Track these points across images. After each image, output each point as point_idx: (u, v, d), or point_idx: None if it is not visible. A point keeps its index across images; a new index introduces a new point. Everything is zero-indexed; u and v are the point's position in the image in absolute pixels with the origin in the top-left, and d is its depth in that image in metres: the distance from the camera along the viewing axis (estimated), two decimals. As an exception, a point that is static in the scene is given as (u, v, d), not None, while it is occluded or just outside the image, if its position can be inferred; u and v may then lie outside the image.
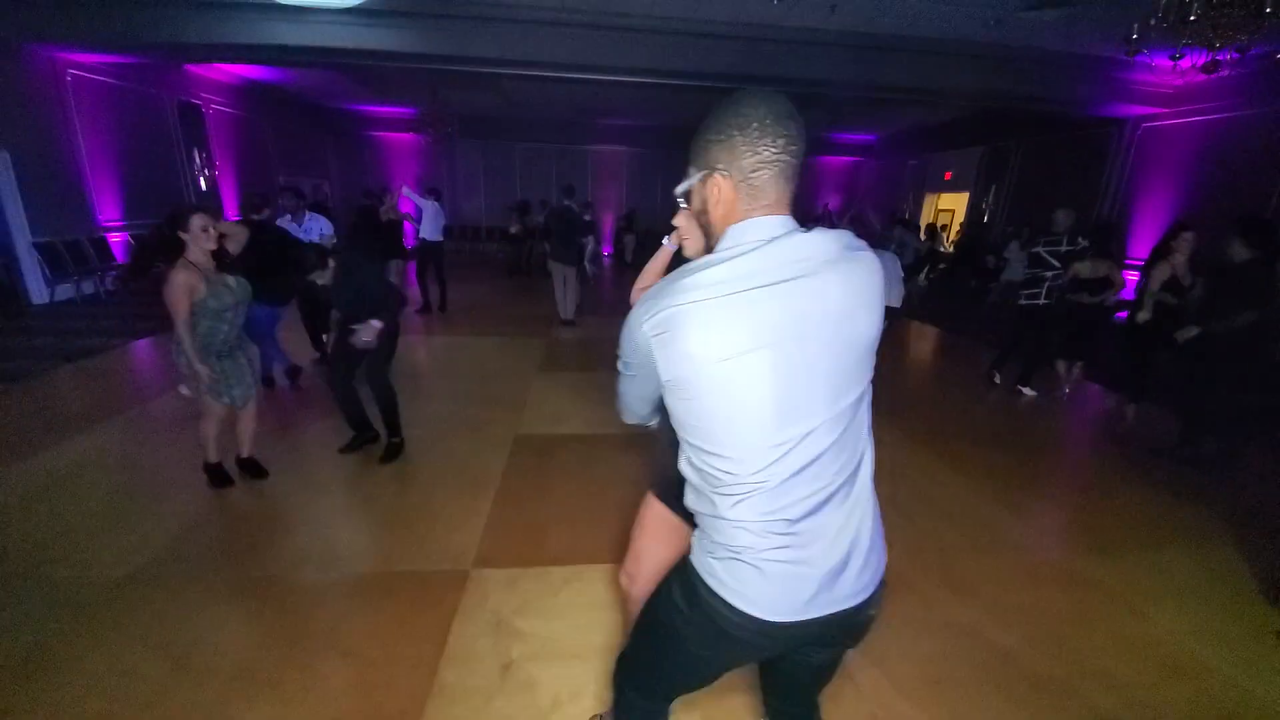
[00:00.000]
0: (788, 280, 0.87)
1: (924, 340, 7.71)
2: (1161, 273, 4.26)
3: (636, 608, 1.53)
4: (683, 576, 1.05)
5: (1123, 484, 3.66)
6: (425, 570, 2.55)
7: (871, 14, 6.93)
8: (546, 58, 7.71)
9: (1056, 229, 5.00)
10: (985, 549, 2.89)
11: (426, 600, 2.35)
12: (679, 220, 1.07)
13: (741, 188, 0.92)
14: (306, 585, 2.43)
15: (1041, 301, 5.07)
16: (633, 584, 1.62)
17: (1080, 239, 4.95)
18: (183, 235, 2.78)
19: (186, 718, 1.80)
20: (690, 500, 1.03)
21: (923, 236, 11.99)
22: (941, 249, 12.48)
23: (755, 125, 0.90)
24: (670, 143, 15.75)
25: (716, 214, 0.96)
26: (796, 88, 8.68)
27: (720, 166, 0.93)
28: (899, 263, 4.95)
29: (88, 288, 8.20)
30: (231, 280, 2.95)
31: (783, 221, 0.93)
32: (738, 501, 0.93)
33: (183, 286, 2.74)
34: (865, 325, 0.93)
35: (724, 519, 0.95)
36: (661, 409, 1.07)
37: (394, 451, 3.59)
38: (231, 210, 11.40)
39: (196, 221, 2.78)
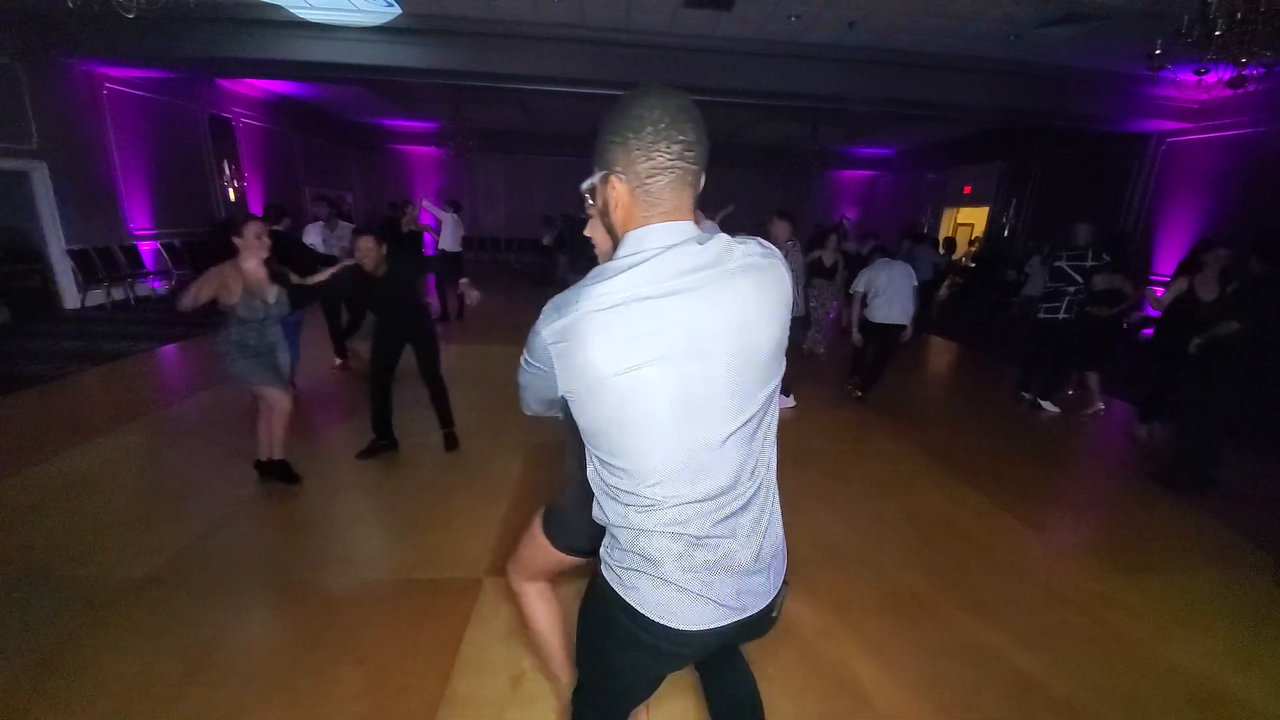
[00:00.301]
0: (682, 292, 0.85)
1: (942, 356, 7.62)
2: (1178, 287, 4.18)
3: (526, 605, 1.67)
4: (596, 595, 1.05)
5: (1147, 503, 3.57)
6: (440, 578, 2.55)
7: (889, 30, 6.95)
8: (567, 73, 7.83)
9: (1078, 243, 4.94)
10: (1006, 569, 2.83)
11: (440, 608, 2.36)
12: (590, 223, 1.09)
13: (638, 193, 0.89)
14: (322, 590, 2.45)
15: (1061, 316, 5.01)
16: (518, 585, 1.67)
17: (1104, 255, 4.89)
18: (237, 241, 2.87)
19: (200, 719, 1.82)
20: (597, 511, 1.01)
21: (940, 250, 11.87)
22: (962, 262, 12.35)
23: (649, 128, 0.86)
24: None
25: (616, 217, 0.93)
26: (814, 103, 8.72)
27: (617, 169, 0.89)
28: (913, 277, 4.89)
29: (118, 293, 8.42)
30: (271, 295, 3.02)
31: (681, 228, 0.90)
32: (643, 510, 0.92)
33: (216, 277, 2.82)
34: (766, 335, 0.91)
35: (630, 528, 0.94)
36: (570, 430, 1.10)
37: (452, 442, 3.81)
38: (257, 220, 11.65)
39: (251, 229, 2.90)
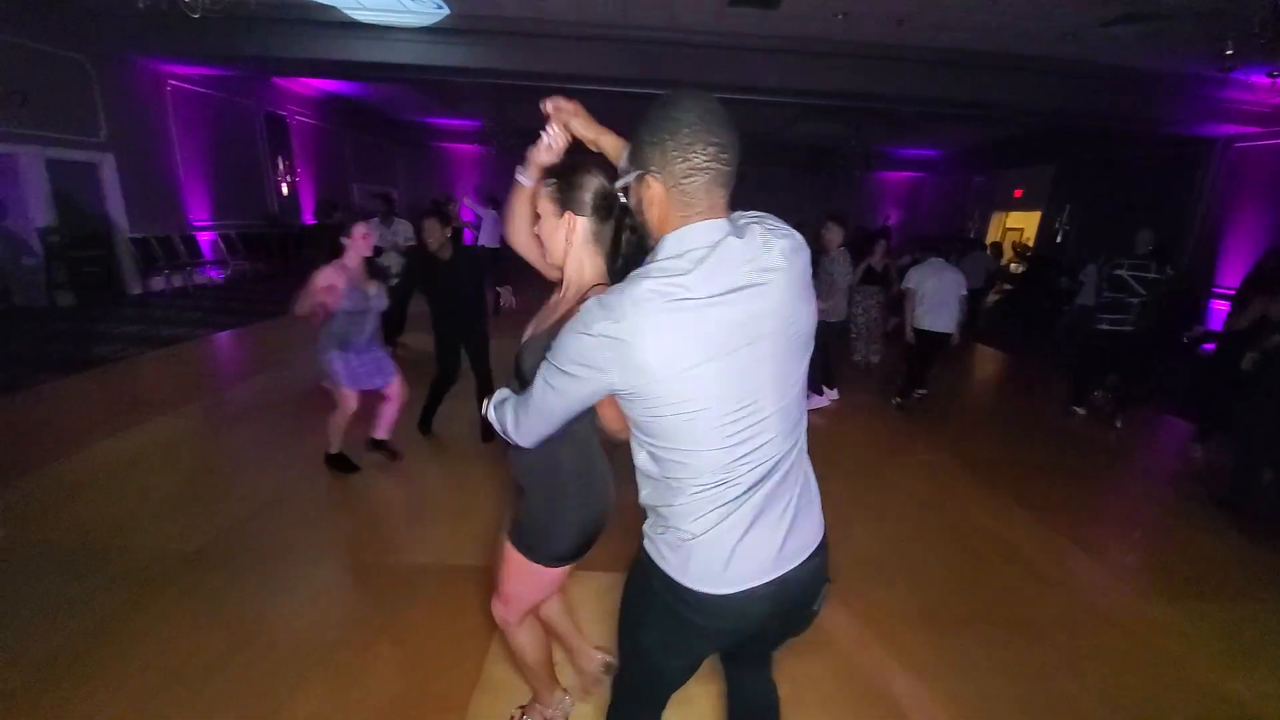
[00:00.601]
0: (741, 289, 0.89)
1: (988, 365, 7.38)
2: (1253, 311, 3.93)
3: (517, 639, 1.62)
4: (638, 571, 1.09)
5: (1205, 526, 3.38)
6: (476, 565, 2.59)
7: (940, 28, 6.76)
8: (611, 72, 7.87)
9: (1140, 250, 4.71)
10: (1052, 588, 2.72)
11: (476, 594, 2.39)
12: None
13: (674, 193, 0.92)
14: (362, 571, 2.52)
15: (1129, 329, 4.74)
16: (508, 626, 1.60)
17: (1168, 266, 4.63)
18: (344, 240, 3.01)
19: (242, 691, 1.88)
20: (646, 494, 1.04)
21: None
22: (1009, 268, 11.91)
23: (686, 131, 0.89)
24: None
25: (651, 215, 0.97)
26: (860, 102, 8.56)
27: (653, 169, 0.92)
28: (964, 285, 4.74)
29: (177, 281, 8.82)
30: (372, 288, 3.15)
31: (719, 226, 0.92)
32: (695, 492, 0.96)
33: (323, 281, 2.95)
34: (806, 318, 0.97)
35: (680, 506, 0.97)
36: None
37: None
38: (310, 214, 12.08)
39: (359, 229, 3.06)
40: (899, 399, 5.07)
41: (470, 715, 1.85)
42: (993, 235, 14.04)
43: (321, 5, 7.00)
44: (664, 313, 0.85)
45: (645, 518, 1.07)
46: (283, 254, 10.88)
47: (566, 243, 1.20)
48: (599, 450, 1.38)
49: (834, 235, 4.50)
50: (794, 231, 0.99)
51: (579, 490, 1.35)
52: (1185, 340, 8.24)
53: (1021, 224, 13.92)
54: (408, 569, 2.56)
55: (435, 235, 3.54)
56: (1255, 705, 2.09)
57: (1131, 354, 4.91)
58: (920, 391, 5.20)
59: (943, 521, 3.27)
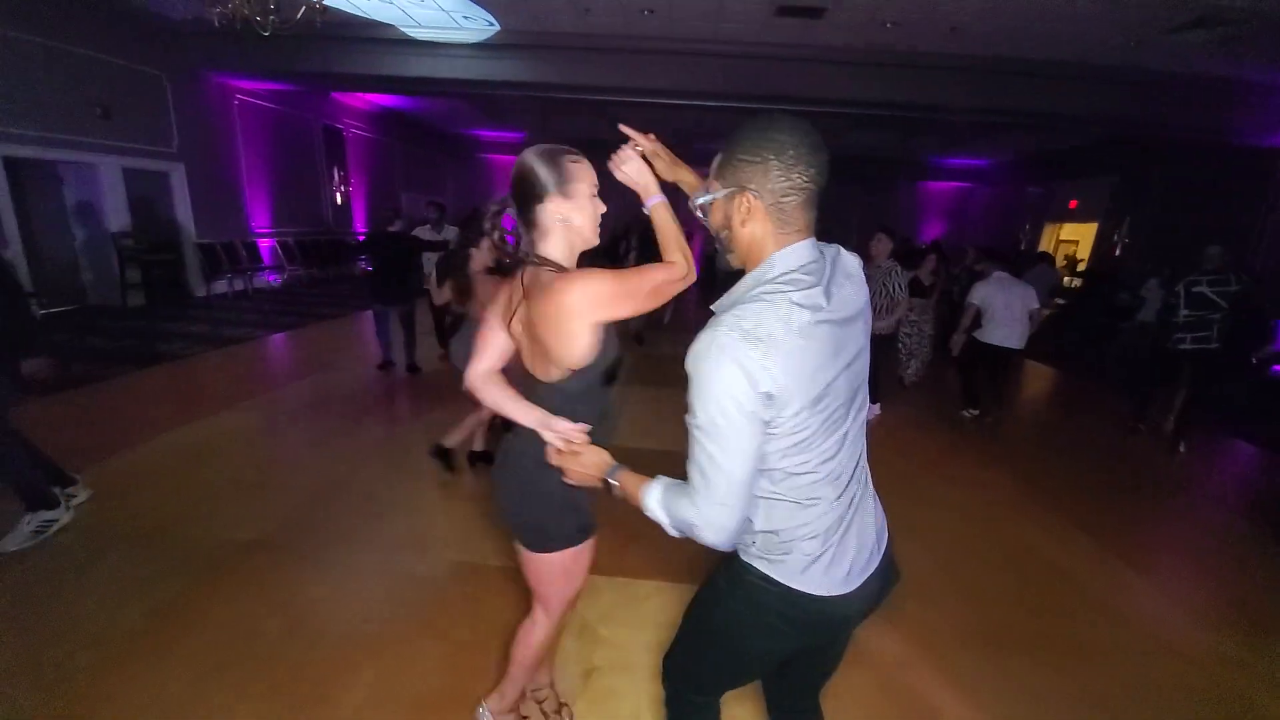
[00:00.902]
0: (843, 309, 0.97)
1: (1043, 382, 7.10)
2: None
3: (549, 631, 1.61)
4: (730, 571, 1.10)
5: (1273, 555, 3.16)
6: (514, 566, 2.61)
7: (995, 36, 6.61)
8: (656, 84, 7.96)
9: (1209, 265, 4.47)
10: (1111, 615, 2.58)
11: (515, 595, 2.42)
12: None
13: (771, 210, 0.95)
14: (408, 566, 2.58)
15: (1214, 345, 4.51)
16: (544, 622, 1.60)
17: (1245, 276, 4.42)
18: (473, 251, 3.22)
19: (296, 676, 1.95)
20: (760, 521, 1.02)
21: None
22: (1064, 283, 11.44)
23: (791, 152, 0.92)
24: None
25: (741, 231, 0.99)
26: (911, 112, 8.41)
27: (752, 187, 0.94)
28: (1034, 299, 4.60)
29: (238, 284, 9.28)
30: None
31: (814, 246, 0.98)
32: (799, 507, 0.99)
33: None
34: (867, 331, 1.05)
35: (787, 523, 1.01)
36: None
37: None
38: (361, 222, 12.56)
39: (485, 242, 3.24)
40: (973, 410, 5.00)
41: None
42: (1044, 247, 13.55)
43: (379, 24, 7.32)
44: (803, 337, 0.89)
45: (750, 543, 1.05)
46: (335, 261, 11.32)
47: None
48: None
49: (883, 246, 4.40)
50: (851, 254, 1.08)
51: (545, 468, 1.26)
52: (1255, 361, 7.76)
53: (1076, 236, 13.40)
54: (448, 567, 2.61)
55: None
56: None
57: (1211, 373, 4.67)
58: (972, 411, 5.01)
59: (994, 541, 3.14)
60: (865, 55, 7.36)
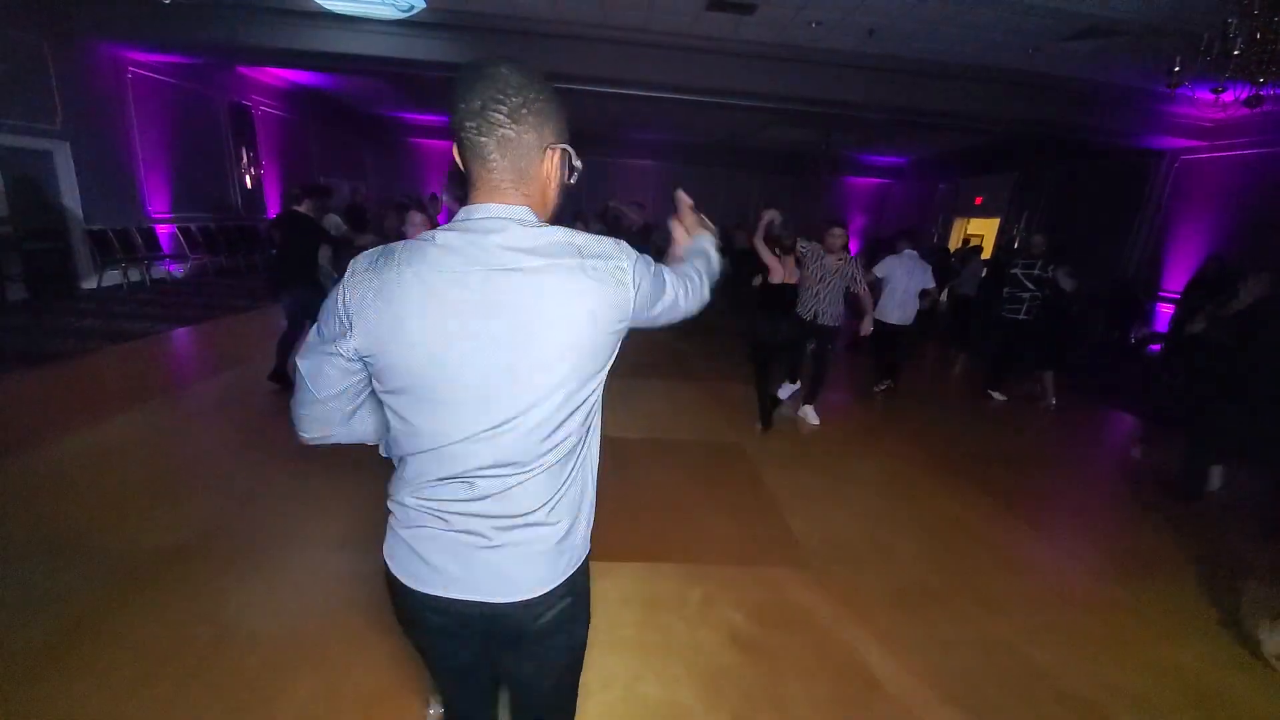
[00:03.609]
0: None
1: (952, 363, 7.65)
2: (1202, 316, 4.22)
3: None
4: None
5: (1153, 510, 3.61)
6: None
7: (909, 39, 7.00)
8: (587, 71, 7.89)
9: (1034, 252, 5.45)
10: (1015, 569, 2.88)
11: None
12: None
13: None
14: (348, 563, 2.51)
15: (1023, 317, 5.50)
16: None
17: (1050, 266, 5.37)
18: (405, 229, 3.21)
19: (232, 684, 1.87)
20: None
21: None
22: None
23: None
24: (699, 159, 15.93)
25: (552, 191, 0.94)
26: (832, 109, 8.76)
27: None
28: (930, 277, 5.17)
29: (134, 275, 8.50)
30: None
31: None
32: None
33: None
34: None
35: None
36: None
37: None
38: (274, 208, 11.78)
39: (416, 217, 3.30)
40: (886, 384, 5.56)
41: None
42: (953, 241, 14.51)
43: (292, -6, 6.86)
44: None
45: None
46: (245, 249, 10.57)
47: None
48: None
49: (837, 239, 4.31)
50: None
51: None
52: (1134, 340, 8.70)
53: (981, 230, 14.43)
54: (392, 560, 2.56)
55: (421, 230, 3.54)
56: (1200, 670, 2.26)
57: (1022, 338, 5.59)
58: (885, 384, 5.48)
59: (911, 509, 3.41)
60: (790, 52, 7.60)
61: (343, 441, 1.01)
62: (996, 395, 5.77)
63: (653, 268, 0.95)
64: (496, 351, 0.82)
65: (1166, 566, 3.00)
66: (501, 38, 7.55)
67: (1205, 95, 5.60)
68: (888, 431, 4.67)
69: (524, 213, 0.87)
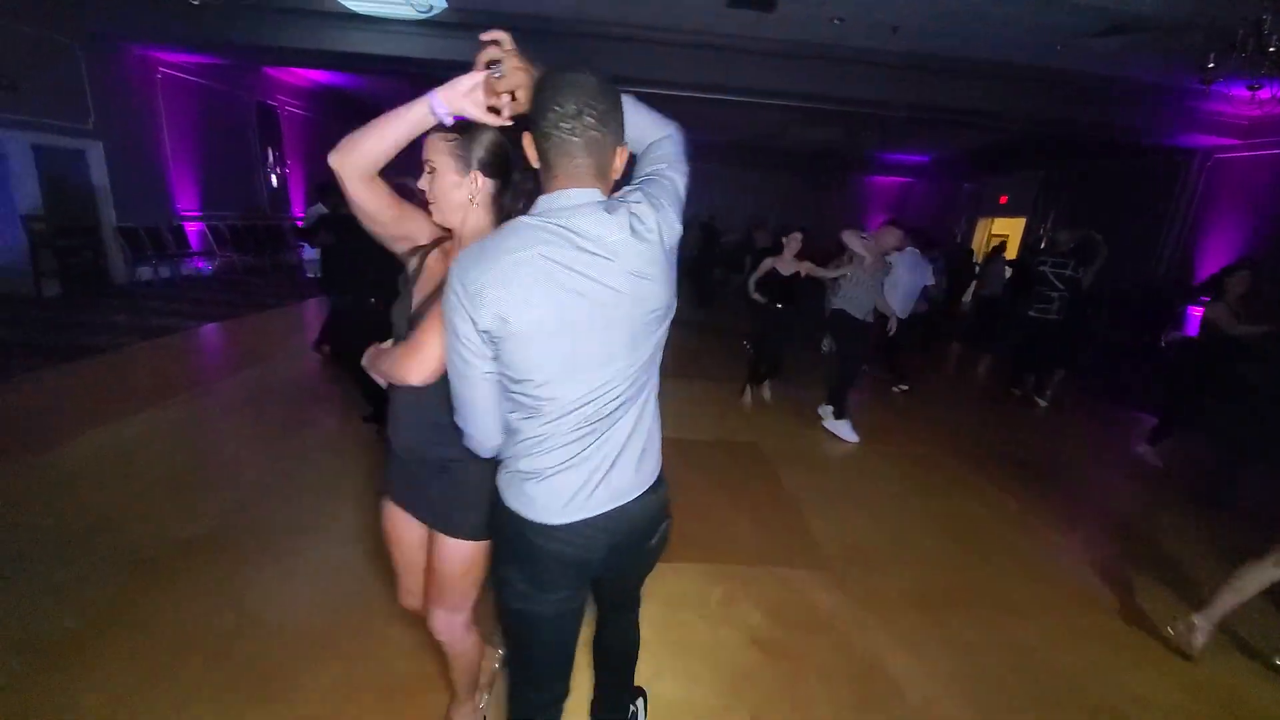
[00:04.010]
0: None
1: (976, 364, 7.53)
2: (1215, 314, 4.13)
3: (471, 637, 1.55)
4: (492, 522, 1.19)
5: (1183, 516, 3.51)
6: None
7: (933, 36, 6.89)
8: (607, 70, 7.78)
9: (1060, 250, 5.39)
10: (1039, 573, 2.81)
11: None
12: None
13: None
14: (366, 556, 2.53)
15: (1053, 317, 5.37)
16: (459, 632, 1.51)
17: (1080, 266, 5.25)
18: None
19: (254, 669, 1.90)
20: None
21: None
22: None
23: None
24: (723, 159, 15.88)
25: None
26: (854, 107, 8.68)
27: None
28: (930, 274, 5.21)
29: (164, 271, 8.70)
30: None
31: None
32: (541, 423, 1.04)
33: None
34: None
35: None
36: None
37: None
38: (300, 207, 11.98)
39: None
40: (902, 386, 5.56)
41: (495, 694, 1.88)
42: (977, 241, 14.28)
43: (318, -5, 6.97)
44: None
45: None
46: (272, 248, 10.75)
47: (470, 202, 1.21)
48: None
49: (891, 238, 4.31)
50: None
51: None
52: (1163, 344, 8.48)
53: (1006, 230, 14.17)
54: (412, 553, 2.58)
55: None
56: (1235, 685, 2.19)
57: (1054, 339, 5.48)
58: (902, 387, 5.46)
59: (930, 510, 3.35)
60: (812, 50, 7.54)
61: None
62: (1019, 392, 5.76)
63: (654, 190, 1.05)
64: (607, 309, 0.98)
65: (1197, 574, 2.91)
66: (523, 37, 7.53)
67: (1240, 92, 5.44)
68: (907, 432, 4.61)
69: (596, 194, 1.00)
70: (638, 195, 1.02)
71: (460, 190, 1.18)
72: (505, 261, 0.92)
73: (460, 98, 1.11)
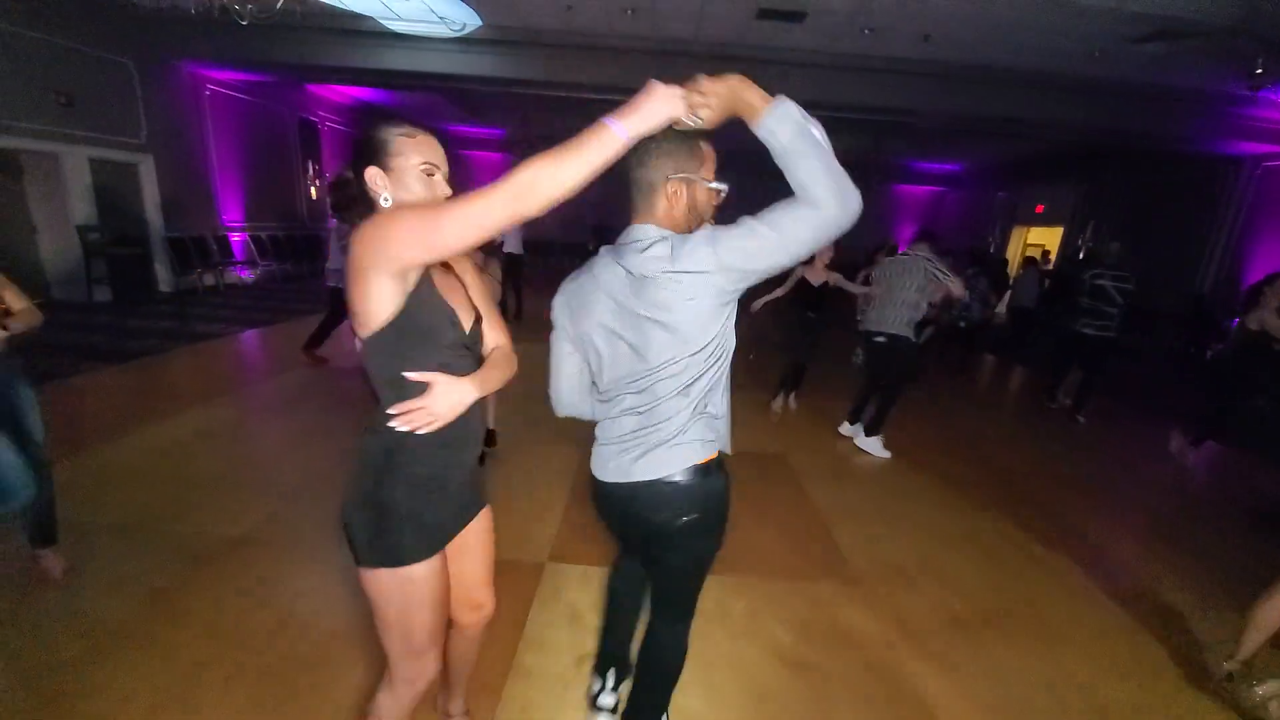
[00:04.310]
0: None
1: (1011, 380, 7.33)
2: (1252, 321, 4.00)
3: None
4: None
5: (1242, 540, 3.35)
6: (504, 558, 2.61)
7: (967, 46, 6.81)
8: (637, 83, 7.94)
9: (1110, 260, 5.08)
10: (1082, 597, 2.71)
11: (505, 586, 2.40)
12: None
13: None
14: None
15: (1111, 334, 5.12)
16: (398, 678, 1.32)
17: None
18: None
19: (288, 665, 1.95)
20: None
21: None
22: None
23: None
24: (745, 167, 15.86)
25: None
26: (885, 116, 8.61)
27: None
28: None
29: (208, 279, 9.04)
30: None
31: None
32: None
33: None
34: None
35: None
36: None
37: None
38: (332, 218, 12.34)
39: None
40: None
41: (504, 700, 1.90)
42: (1012, 250, 13.97)
43: (357, 15, 7.21)
44: None
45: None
46: (310, 257, 11.10)
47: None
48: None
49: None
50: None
51: (392, 464, 1.16)
52: (1210, 357, 8.15)
53: (1043, 240, 13.83)
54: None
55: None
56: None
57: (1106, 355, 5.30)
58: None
59: (963, 527, 3.27)
60: (842, 59, 7.51)
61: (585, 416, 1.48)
62: (1055, 405, 5.67)
63: (717, 238, 1.10)
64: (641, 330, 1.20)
65: (1247, 601, 2.77)
66: (555, 53, 7.74)
67: (1294, 98, 5.24)
68: (938, 446, 4.50)
69: (649, 230, 1.20)
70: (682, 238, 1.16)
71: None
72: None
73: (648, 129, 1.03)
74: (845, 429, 4.48)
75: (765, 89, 1.01)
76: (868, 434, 4.25)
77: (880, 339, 4.05)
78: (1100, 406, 5.57)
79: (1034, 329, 8.34)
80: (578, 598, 2.42)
